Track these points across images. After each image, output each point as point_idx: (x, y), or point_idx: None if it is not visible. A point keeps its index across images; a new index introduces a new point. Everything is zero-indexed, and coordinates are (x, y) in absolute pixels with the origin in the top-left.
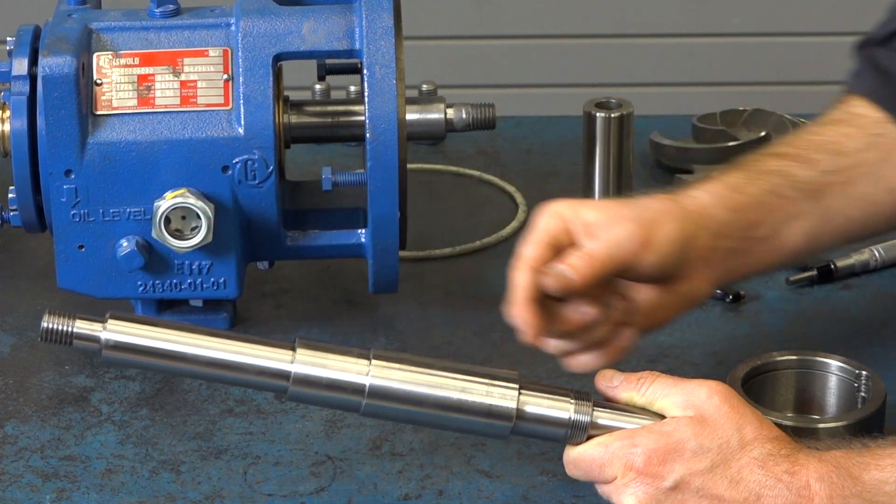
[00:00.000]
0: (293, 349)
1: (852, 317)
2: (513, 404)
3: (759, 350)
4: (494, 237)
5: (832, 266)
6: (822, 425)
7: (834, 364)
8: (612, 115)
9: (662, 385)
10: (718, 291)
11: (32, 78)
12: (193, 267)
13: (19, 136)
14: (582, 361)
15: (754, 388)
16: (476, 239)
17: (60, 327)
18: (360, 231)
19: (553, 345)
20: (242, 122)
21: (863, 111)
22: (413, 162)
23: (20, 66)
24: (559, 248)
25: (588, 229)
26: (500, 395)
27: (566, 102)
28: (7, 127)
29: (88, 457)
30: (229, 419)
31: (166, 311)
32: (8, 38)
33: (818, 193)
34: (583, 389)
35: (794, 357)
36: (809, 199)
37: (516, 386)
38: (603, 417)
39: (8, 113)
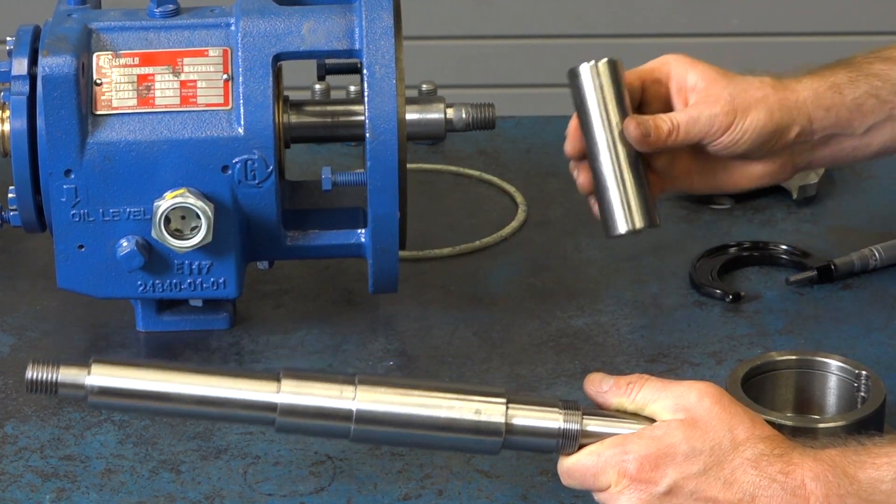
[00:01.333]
0: (278, 380)
1: (852, 317)
2: (501, 419)
3: (759, 350)
4: (494, 237)
5: (832, 266)
6: (821, 425)
7: (833, 364)
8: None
9: (652, 389)
10: (717, 291)
11: (32, 78)
12: (193, 267)
13: (19, 135)
14: None
15: (754, 388)
16: (476, 239)
17: (45, 377)
18: (359, 231)
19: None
20: (242, 122)
21: None
22: (413, 162)
23: (20, 66)
24: (651, 86)
25: (681, 91)
26: (487, 411)
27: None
28: (7, 127)
29: (88, 457)
30: None
31: (166, 311)
32: (8, 38)
33: None
34: (572, 398)
35: (793, 357)
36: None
37: (503, 400)
38: (593, 425)
39: (8, 113)
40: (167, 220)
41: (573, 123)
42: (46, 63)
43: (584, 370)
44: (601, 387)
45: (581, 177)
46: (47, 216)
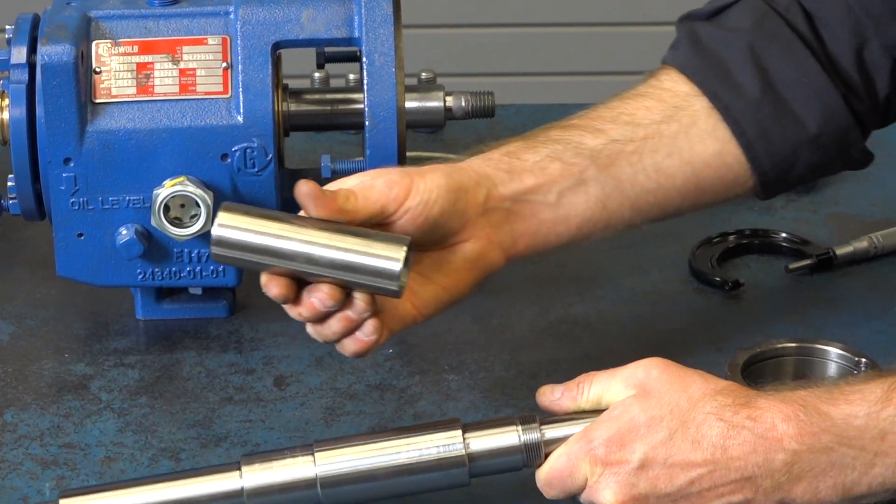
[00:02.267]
0: (238, 468)
1: (851, 304)
2: (461, 448)
3: (759, 338)
4: None
5: (831, 254)
6: None
7: (833, 351)
8: None
9: (601, 380)
10: (717, 279)
11: (31, 66)
12: (193, 255)
13: (18, 124)
14: (344, 346)
15: (754, 376)
16: None
17: None
18: None
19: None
20: (241, 111)
21: (670, 85)
22: (412, 150)
23: (19, 55)
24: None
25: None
26: (445, 443)
27: (565, 91)
28: (6, 115)
29: (88, 444)
30: (228, 407)
31: (166, 299)
32: (7, 27)
33: (606, 161)
34: (528, 413)
35: (793, 345)
36: (596, 166)
37: (459, 431)
38: (552, 431)
39: (7, 101)
40: (166, 209)
41: (264, 278)
42: (45, 51)
43: (584, 357)
44: (553, 395)
45: (319, 300)
46: (46, 204)
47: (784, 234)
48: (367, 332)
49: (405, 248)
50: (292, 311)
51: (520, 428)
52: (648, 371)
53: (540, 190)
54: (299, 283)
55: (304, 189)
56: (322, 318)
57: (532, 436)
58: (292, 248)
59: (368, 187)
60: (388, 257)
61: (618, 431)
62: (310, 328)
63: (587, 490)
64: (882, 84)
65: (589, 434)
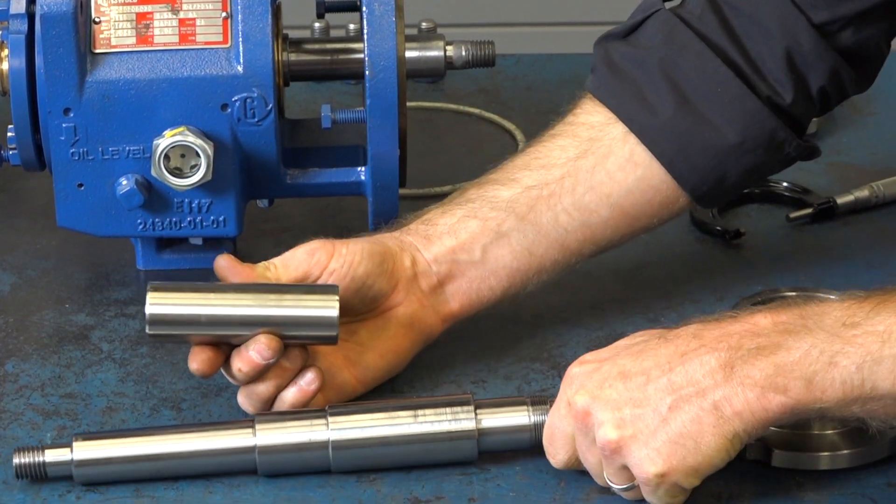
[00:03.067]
0: (252, 426)
1: (852, 254)
2: (472, 423)
3: (760, 287)
4: None
5: (832, 203)
6: None
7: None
8: None
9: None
10: (718, 228)
11: (31, 16)
12: (193, 205)
13: (17, 74)
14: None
15: None
16: (476, 176)
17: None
18: (359, 169)
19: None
20: (241, 61)
21: (584, 118)
22: (412, 100)
23: (18, 5)
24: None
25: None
26: (456, 417)
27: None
28: (5, 66)
29: (89, 394)
30: None
31: (166, 249)
32: None
33: (524, 209)
34: (543, 394)
35: (794, 293)
36: (514, 216)
37: (471, 407)
38: None
39: (6, 52)
40: (167, 159)
41: (197, 356)
42: (45, 1)
43: (588, 306)
44: None
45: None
46: (46, 155)
47: (785, 184)
48: (309, 381)
49: (337, 295)
50: (228, 373)
51: (530, 409)
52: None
53: (462, 249)
54: (228, 351)
55: (221, 263)
56: (257, 376)
57: (541, 417)
58: (227, 313)
59: (289, 257)
60: (324, 305)
61: (595, 353)
62: (242, 394)
63: (577, 411)
64: (815, 77)
65: (566, 380)
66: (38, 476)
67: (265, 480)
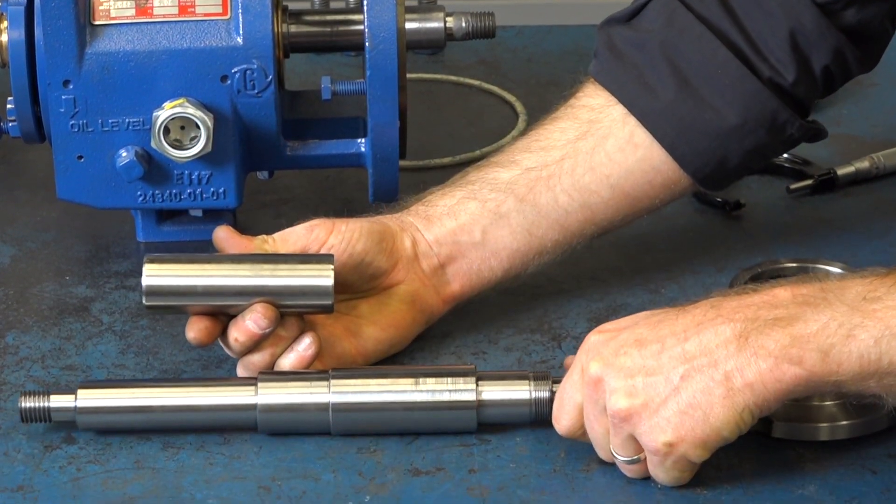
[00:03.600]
0: (255, 384)
1: (852, 225)
2: (472, 394)
3: (760, 258)
4: (494, 146)
5: (833, 174)
6: None
7: (835, 271)
8: None
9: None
10: (718, 199)
11: None
12: (193, 177)
13: (17, 46)
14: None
15: None
16: (476, 148)
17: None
18: (359, 140)
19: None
20: (241, 32)
21: (585, 100)
22: (413, 72)
23: None
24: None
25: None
26: (458, 387)
27: (567, 12)
28: (4, 38)
29: (89, 366)
30: None
31: (166, 221)
32: None
33: (523, 191)
34: (542, 370)
35: (794, 265)
36: (514, 197)
37: (473, 378)
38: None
39: (5, 24)
40: (166, 131)
41: (194, 326)
42: None
43: (589, 278)
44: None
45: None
46: (46, 127)
47: (785, 155)
48: (305, 346)
49: (332, 264)
50: (225, 347)
51: (532, 384)
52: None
53: (462, 231)
54: (225, 322)
55: (220, 234)
56: (254, 346)
57: (542, 393)
58: (222, 283)
59: (288, 232)
60: (319, 274)
61: (611, 328)
62: (240, 365)
63: (589, 378)
64: (818, 56)
65: (583, 353)
66: (43, 420)
67: (266, 452)
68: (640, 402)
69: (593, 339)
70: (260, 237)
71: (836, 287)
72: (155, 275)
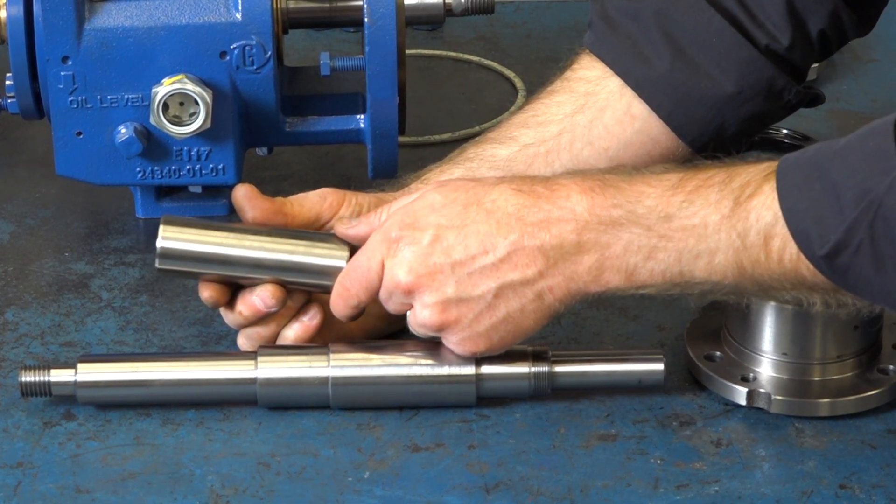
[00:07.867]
0: (255, 358)
1: None
2: (471, 368)
3: None
4: (494, 122)
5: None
6: None
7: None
8: None
9: (400, 201)
10: None
11: None
12: (192, 153)
13: (16, 22)
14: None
15: None
16: (476, 124)
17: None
18: (358, 116)
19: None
20: (240, 8)
21: (581, 73)
22: (412, 48)
23: None
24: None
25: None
26: (457, 361)
27: None
28: (3, 14)
29: (89, 343)
30: None
31: (165, 197)
32: None
33: (522, 167)
34: (542, 346)
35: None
36: (512, 174)
37: None
38: (561, 365)
39: (4, 0)
40: (165, 107)
41: (209, 286)
42: None
43: None
44: (350, 224)
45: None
46: (45, 103)
47: (785, 130)
48: (311, 316)
49: (347, 247)
50: (228, 316)
51: (531, 359)
52: (441, 177)
53: None
54: (233, 289)
55: (240, 192)
56: (256, 322)
57: (541, 368)
58: (238, 254)
59: (303, 197)
60: (334, 255)
61: (413, 213)
62: (242, 336)
63: (385, 277)
64: (815, 20)
65: (385, 223)
66: (43, 395)
67: (265, 428)
68: (453, 318)
69: (395, 233)
70: (279, 199)
71: (629, 201)
72: (171, 237)
